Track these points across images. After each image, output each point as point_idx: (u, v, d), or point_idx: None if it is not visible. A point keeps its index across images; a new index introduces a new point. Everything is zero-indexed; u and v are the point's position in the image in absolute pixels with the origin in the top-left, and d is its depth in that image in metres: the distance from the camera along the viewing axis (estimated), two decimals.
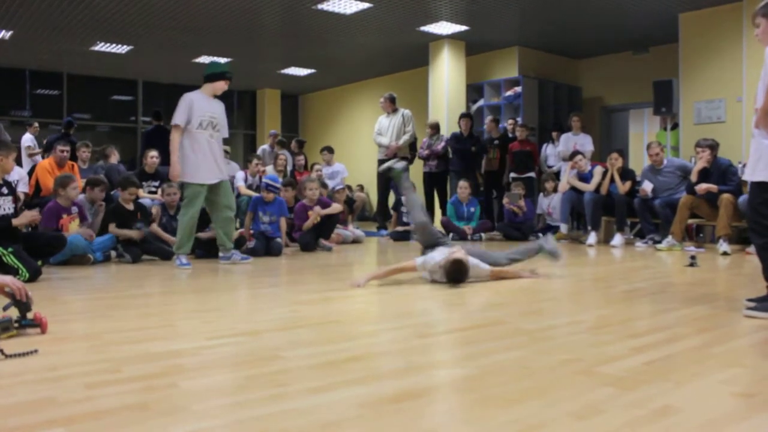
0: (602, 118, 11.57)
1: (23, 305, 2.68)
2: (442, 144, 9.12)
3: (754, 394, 1.88)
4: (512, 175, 9.11)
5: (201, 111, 5.38)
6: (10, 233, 4.58)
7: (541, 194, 8.76)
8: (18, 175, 6.51)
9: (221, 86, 5.53)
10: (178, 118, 5.34)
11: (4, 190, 4.70)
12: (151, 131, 9.48)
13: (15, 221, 4.58)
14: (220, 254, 5.60)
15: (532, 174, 9.18)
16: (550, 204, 8.47)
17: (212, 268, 5.24)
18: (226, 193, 5.51)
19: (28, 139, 10.13)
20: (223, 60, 11.94)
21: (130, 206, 5.93)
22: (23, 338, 2.57)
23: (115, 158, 7.94)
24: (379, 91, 12.36)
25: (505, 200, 8.52)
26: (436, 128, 9.24)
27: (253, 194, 7.70)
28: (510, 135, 9.53)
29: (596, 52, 11.23)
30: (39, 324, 2.68)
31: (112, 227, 5.77)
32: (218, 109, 5.54)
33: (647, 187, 7.14)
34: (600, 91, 11.52)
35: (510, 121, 9.68)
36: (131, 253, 5.62)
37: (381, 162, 8.78)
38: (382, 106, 8.94)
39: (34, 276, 4.36)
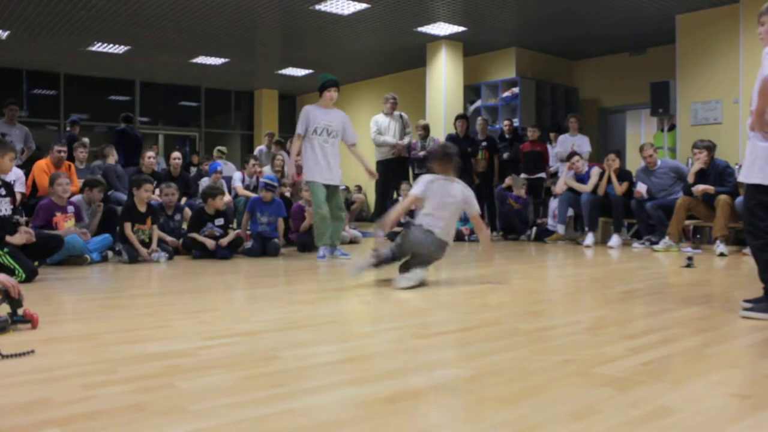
0: (599, 119, 11.59)
1: (15, 302, 2.74)
2: (436, 143, 9.13)
3: (750, 395, 1.89)
4: (523, 175, 9.11)
5: (316, 120, 5.88)
6: (9, 231, 4.55)
7: (552, 197, 8.75)
8: (15, 175, 6.49)
9: (327, 96, 5.91)
10: (299, 128, 5.91)
11: (3, 191, 4.68)
12: (117, 133, 9.28)
13: (10, 239, 4.54)
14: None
15: (542, 174, 9.18)
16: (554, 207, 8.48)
17: (209, 269, 5.24)
18: (335, 194, 6.01)
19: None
20: (220, 60, 11.94)
21: (143, 208, 5.86)
22: (19, 339, 2.56)
23: (113, 158, 7.94)
24: (377, 92, 12.38)
25: (508, 179, 8.57)
26: (426, 130, 9.24)
27: (251, 195, 7.69)
28: (507, 136, 9.54)
29: (593, 53, 11.25)
30: (30, 320, 2.74)
31: (127, 229, 5.69)
32: (334, 118, 5.95)
33: (641, 188, 7.16)
34: (597, 92, 11.54)
35: (506, 122, 9.69)
36: (129, 254, 5.60)
37: (380, 163, 8.78)
38: (389, 106, 8.87)
39: (30, 276, 4.35)
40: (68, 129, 9.95)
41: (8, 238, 4.52)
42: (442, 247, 4.33)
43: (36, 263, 4.72)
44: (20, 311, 2.75)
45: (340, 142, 6.03)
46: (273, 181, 6.77)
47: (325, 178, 5.86)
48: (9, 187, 4.79)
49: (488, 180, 9.41)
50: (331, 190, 5.93)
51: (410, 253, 4.32)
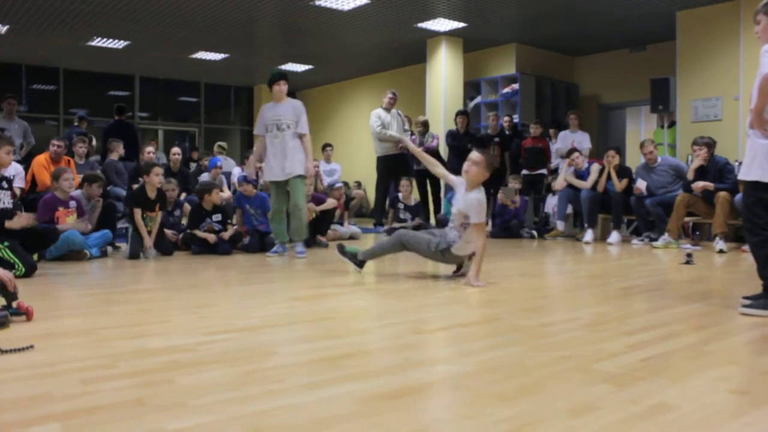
0: (599, 115, 11.58)
1: (10, 295, 2.78)
2: (435, 141, 9.12)
3: (749, 391, 1.89)
4: (524, 171, 9.09)
5: (265, 118, 5.91)
6: (5, 228, 4.56)
7: (550, 195, 8.73)
8: (14, 170, 6.49)
9: (276, 90, 5.93)
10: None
11: (4, 184, 4.68)
12: (110, 126, 9.29)
13: (9, 224, 4.53)
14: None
15: (544, 170, 9.17)
16: (553, 204, 8.46)
17: (208, 265, 5.24)
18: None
19: None
20: (220, 55, 11.93)
21: (153, 194, 5.86)
22: (19, 334, 2.56)
23: (116, 154, 7.95)
24: (377, 88, 12.36)
25: (500, 195, 8.52)
26: (425, 126, 9.23)
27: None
28: (507, 133, 9.53)
29: (594, 49, 11.23)
30: (25, 312, 2.79)
31: (137, 215, 5.71)
32: (284, 110, 5.88)
33: (641, 185, 7.16)
34: (597, 88, 11.52)
35: (506, 118, 9.68)
36: (132, 246, 5.61)
37: (381, 159, 8.78)
38: (390, 101, 8.85)
39: (29, 271, 4.35)
40: (75, 124, 9.94)
41: (8, 223, 4.52)
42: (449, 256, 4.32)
43: (35, 257, 4.73)
44: (14, 304, 2.79)
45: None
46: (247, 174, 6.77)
47: (275, 176, 5.82)
48: (9, 181, 4.80)
49: (499, 176, 9.22)
50: (288, 183, 5.84)
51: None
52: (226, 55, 11.94)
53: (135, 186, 6.57)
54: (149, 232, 5.77)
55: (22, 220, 4.61)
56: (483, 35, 10.35)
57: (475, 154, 4.21)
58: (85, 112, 10.23)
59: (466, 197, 4.15)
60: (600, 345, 2.44)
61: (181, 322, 2.90)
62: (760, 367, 2.19)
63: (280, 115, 5.83)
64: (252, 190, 6.60)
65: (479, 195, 4.09)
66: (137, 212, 5.72)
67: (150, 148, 7.61)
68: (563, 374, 2.05)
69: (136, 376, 1.99)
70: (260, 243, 6.26)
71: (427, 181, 9.21)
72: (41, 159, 6.98)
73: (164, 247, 5.90)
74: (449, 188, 8.81)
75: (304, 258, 5.70)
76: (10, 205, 4.67)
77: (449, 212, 8.34)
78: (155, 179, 5.84)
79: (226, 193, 8.01)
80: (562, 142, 9.02)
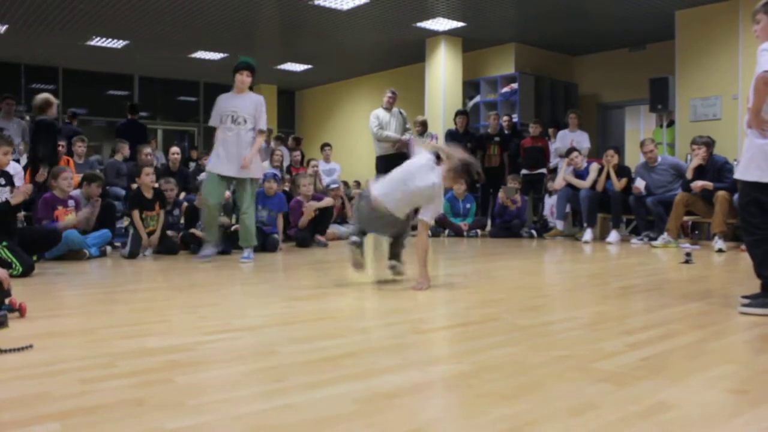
0: (598, 114, 11.58)
1: (3, 292, 2.79)
2: (434, 141, 9.12)
3: (748, 391, 1.89)
4: (523, 171, 9.09)
5: (222, 108, 5.50)
6: (8, 224, 4.54)
7: (546, 195, 8.72)
8: (13, 170, 6.48)
9: (238, 79, 5.50)
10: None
11: (2, 180, 4.67)
12: (123, 125, 9.35)
13: (13, 200, 4.51)
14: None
15: (543, 170, 9.17)
16: (553, 204, 8.46)
17: (207, 264, 5.23)
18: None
19: None
20: (219, 55, 11.92)
21: (150, 194, 5.91)
22: (18, 333, 2.56)
23: (121, 155, 7.95)
24: (376, 87, 12.36)
25: (500, 194, 8.53)
26: (424, 125, 9.23)
27: None
28: (506, 132, 9.52)
29: (593, 48, 11.24)
30: (18, 309, 2.81)
31: (136, 216, 5.74)
32: (239, 103, 5.47)
33: (640, 184, 7.17)
34: (596, 87, 11.53)
35: (505, 118, 9.68)
36: (133, 245, 5.63)
37: (380, 158, 8.77)
38: (389, 100, 8.84)
39: (27, 271, 4.34)
40: (67, 121, 9.93)
41: (11, 200, 4.50)
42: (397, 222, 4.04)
43: (34, 258, 4.72)
44: (7, 301, 2.81)
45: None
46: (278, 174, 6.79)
47: (225, 170, 5.37)
48: (8, 177, 4.78)
49: (499, 176, 9.20)
50: (237, 183, 5.48)
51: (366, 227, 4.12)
52: (225, 55, 11.93)
53: (134, 186, 6.58)
54: (153, 231, 5.82)
55: (19, 194, 4.56)
56: (482, 35, 10.35)
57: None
58: (78, 110, 10.22)
59: (435, 189, 3.92)
60: (599, 344, 2.44)
61: (181, 321, 2.90)
62: (759, 366, 2.19)
63: (237, 106, 5.42)
64: (275, 187, 6.59)
65: (443, 199, 4.16)
66: (135, 214, 5.77)
67: (147, 149, 7.59)
68: (562, 373, 2.05)
69: (136, 376, 1.99)
70: (262, 243, 6.25)
71: None
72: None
73: (168, 247, 5.92)
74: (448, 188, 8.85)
75: (251, 262, 5.32)
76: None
77: (448, 211, 8.39)
78: (146, 179, 5.89)
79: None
80: (561, 141, 9.02)
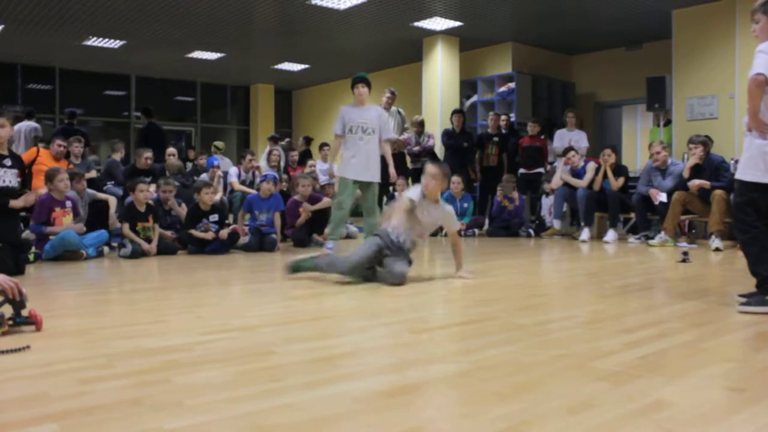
0: (595, 114, 11.60)
1: (17, 303, 2.62)
2: (431, 140, 9.13)
3: (745, 389, 1.90)
4: (521, 170, 9.09)
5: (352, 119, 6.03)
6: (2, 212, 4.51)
7: (543, 196, 8.71)
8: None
9: (357, 92, 6.05)
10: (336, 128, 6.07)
11: (7, 162, 4.62)
12: (145, 128, 9.47)
13: (13, 203, 4.49)
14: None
15: (541, 169, 9.17)
16: (550, 204, 8.45)
17: (205, 264, 5.23)
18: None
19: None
20: (216, 55, 11.91)
21: (143, 207, 5.88)
22: (16, 334, 2.56)
23: (119, 154, 7.94)
24: (373, 87, 12.32)
25: (498, 191, 8.53)
26: (421, 125, 9.23)
27: (248, 190, 7.69)
28: (504, 131, 9.53)
29: (590, 48, 11.25)
30: (34, 321, 2.62)
31: (125, 228, 5.72)
32: (367, 116, 6.05)
33: (661, 196, 6.79)
34: (593, 87, 11.54)
35: (503, 117, 9.69)
36: (134, 246, 5.62)
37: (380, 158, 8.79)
38: (388, 100, 8.83)
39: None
40: (66, 121, 9.92)
41: (12, 203, 4.50)
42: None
43: (32, 258, 4.70)
44: (24, 312, 2.62)
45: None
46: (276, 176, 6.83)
47: (358, 175, 6.04)
48: (17, 159, 4.71)
49: (497, 175, 9.12)
50: (363, 186, 6.15)
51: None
52: (223, 55, 11.93)
53: (128, 183, 6.56)
54: (150, 240, 5.80)
55: (24, 199, 4.54)
56: (479, 34, 10.36)
57: (431, 168, 4.23)
58: (77, 110, 10.21)
59: (444, 210, 4.30)
60: (597, 343, 2.45)
61: (178, 321, 2.90)
62: (756, 363, 2.20)
63: (366, 119, 6.01)
64: (270, 190, 6.60)
65: (450, 207, 4.42)
66: (125, 226, 5.74)
67: (148, 154, 7.52)
68: (560, 372, 2.05)
69: (134, 376, 1.99)
70: (260, 243, 6.25)
71: None
72: (44, 154, 6.97)
73: (167, 247, 5.91)
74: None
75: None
76: (16, 185, 4.62)
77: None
78: (140, 195, 5.87)
79: (218, 194, 7.97)
80: (558, 140, 9.03)
